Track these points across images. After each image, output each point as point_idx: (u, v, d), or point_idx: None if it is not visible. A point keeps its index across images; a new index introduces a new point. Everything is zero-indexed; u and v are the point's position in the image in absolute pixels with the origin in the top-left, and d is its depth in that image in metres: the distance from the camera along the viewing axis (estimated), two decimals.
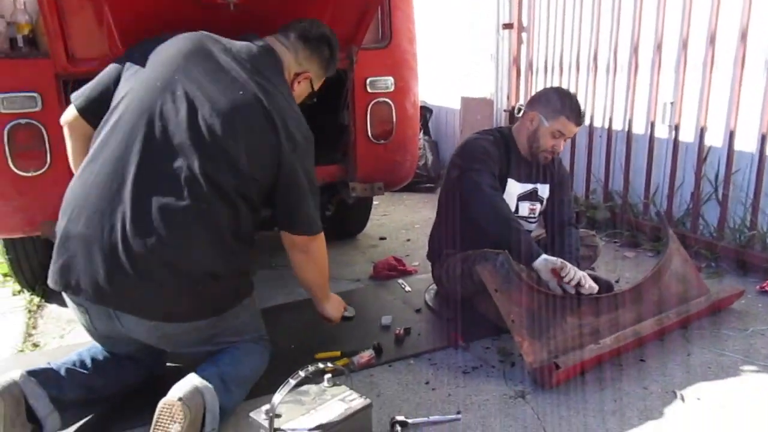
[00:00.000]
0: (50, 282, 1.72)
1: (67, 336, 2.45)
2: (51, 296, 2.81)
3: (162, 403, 1.54)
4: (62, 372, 1.70)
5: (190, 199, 1.67)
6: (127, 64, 1.83)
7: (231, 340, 1.87)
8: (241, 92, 1.76)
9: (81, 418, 1.77)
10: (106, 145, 1.71)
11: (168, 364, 2.06)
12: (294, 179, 1.83)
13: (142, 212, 1.64)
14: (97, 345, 1.86)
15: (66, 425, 1.69)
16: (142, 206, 1.65)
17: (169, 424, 1.52)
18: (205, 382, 1.63)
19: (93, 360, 1.80)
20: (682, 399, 1.89)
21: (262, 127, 1.76)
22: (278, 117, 1.78)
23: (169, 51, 1.81)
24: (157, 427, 1.53)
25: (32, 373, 1.63)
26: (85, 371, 1.75)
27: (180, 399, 1.53)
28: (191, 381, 1.62)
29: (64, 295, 1.74)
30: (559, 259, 2.14)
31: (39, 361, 2.14)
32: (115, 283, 1.63)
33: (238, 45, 1.87)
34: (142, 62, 1.80)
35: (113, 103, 1.78)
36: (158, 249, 1.64)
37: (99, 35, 2.09)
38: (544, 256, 2.15)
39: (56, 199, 2.20)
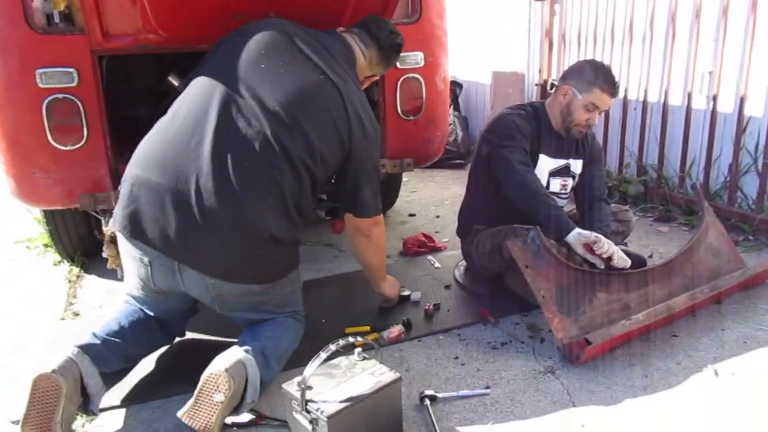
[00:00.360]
0: (118, 227, 1.77)
1: (105, 305, 2.54)
2: (90, 267, 2.92)
3: (207, 374, 1.59)
4: (107, 345, 1.77)
5: (265, 163, 1.75)
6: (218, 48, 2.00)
7: (274, 310, 1.93)
8: (321, 77, 1.89)
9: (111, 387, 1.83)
10: (187, 103, 1.83)
11: (195, 336, 2.15)
12: (361, 165, 1.96)
13: (218, 169, 1.71)
14: (130, 312, 1.90)
15: (101, 399, 1.76)
16: (218, 163, 1.71)
17: (213, 393, 1.57)
18: (248, 356, 1.69)
19: (130, 327, 1.86)
20: (716, 374, 1.87)
21: (337, 111, 1.89)
22: (352, 106, 1.91)
23: (256, 35, 1.93)
24: (200, 395, 1.58)
25: (84, 349, 1.69)
26: (121, 341, 1.81)
27: (226, 370, 1.58)
28: (236, 353, 1.67)
29: (128, 244, 1.78)
30: (593, 233, 2.12)
31: (79, 328, 2.24)
32: (184, 236, 1.70)
33: (322, 37, 2.02)
34: (230, 43, 1.96)
35: (202, 68, 1.93)
36: (230, 206, 1.71)
37: (133, 12, 2.12)
38: (577, 229, 2.13)
39: (93, 173, 2.29)
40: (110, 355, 1.76)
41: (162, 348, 2.03)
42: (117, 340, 1.81)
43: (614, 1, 3.82)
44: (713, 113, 3.26)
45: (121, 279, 2.55)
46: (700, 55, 3.32)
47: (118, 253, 2.43)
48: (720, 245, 2.44)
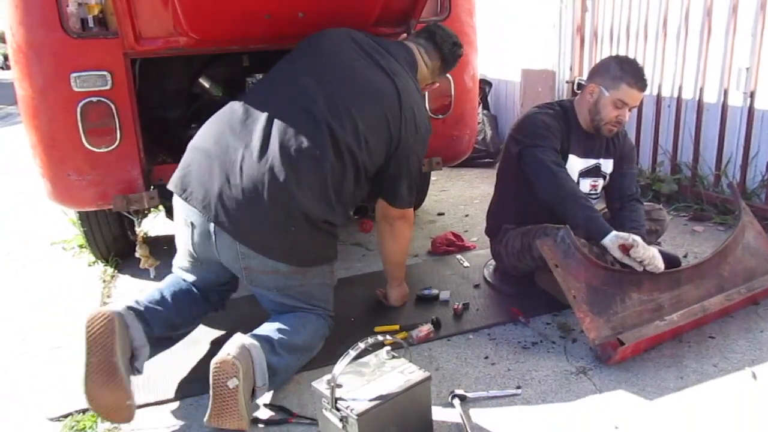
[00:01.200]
0: (171, 186, 1.91)
1: None
2: (123, 267, 2.98)
3: (214, 364, 1.63)
4: (149, 311, 1.85)
5: (309, 141, 1.84)
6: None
7: (299, 299, 1.95)
8: (380, 73, 2.00)
9: (155, 355, 1.89)
10: (251, 92, 2.04)
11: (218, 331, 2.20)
12: (406, 159, 2.04)
13: (266, 142, 1.84)
14: (173, 282, 2.02)
15: (146, 360, 1.82)
16: (266, 137, 1.85)
17: (226, 381, 1.60)
18: (252, 340, 1.73)
19: (172, 296, 1.95)
20: (754, 377, 1.82)
21: (390, 105, 1.97)
22: (408, 103, 2.00)
23: (324, 41, 2.09)
24: (215, 384, 1.61)
25: (129, 308, 1.79)
26: (163, 308, 1.90)
27: (228, 354, 1.62)
28: (237, 339, 1.72)
29: (177, 204, 1.92)
30: (631, 236, 2.06)
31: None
32: (222, 199, 1.80)
33: (387, 43, 2.15)
34: (297, 49, 2.12)
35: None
36: (268, 178, 1.80)
37: (165, 15, 2.15)
38: (614, 232, 2.08)
39: (126, 174, 2.34)
40: (152, 319, 1.84)
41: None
42: (158, 307, 1.89)
43: None
44: (750, 110, 3.18)
45: (154, 279, 2.62)
46: (737, 50, 3.24)
47: (151, 253, 2.49)
48: (758, 245, 2.38)
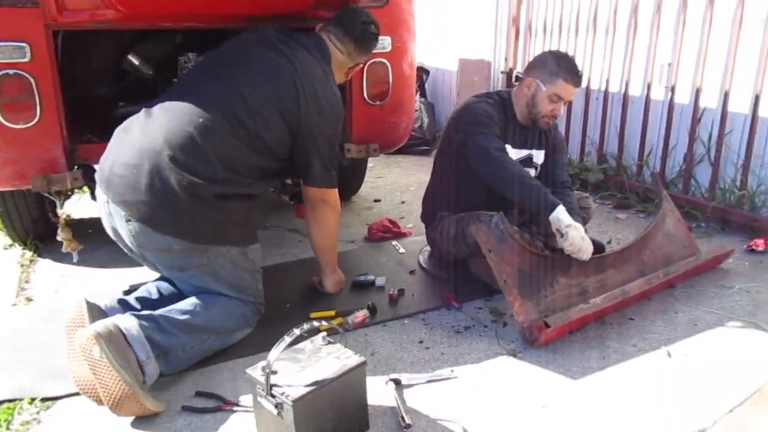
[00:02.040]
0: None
1: (60, 290, 2.48)
2: (43, 251, 2.84)
3: (75, 339, 1.66)
4: (132, 301, 1.96)
5: (192, 114, 1.90)
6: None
7: (207, 281, 1.95)
8: (279, 58, 2.05)
9: None
10: (176, 87, 2.14)
11: None
12: (312, 138, 2.06)
13: (156, 119, 1.92)
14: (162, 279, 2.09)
15: None
16: (158, 116, 1.93)
17: (89, 352, 1.61)
18: (124, 316, 1.77)
19: (158, 290, 2.04)
20: (669, 355, 1.94)
21: (285, 84, 2.01)
22: (308, 83, 2.03)
23: (237, 39, 2.18)
24: (87, 361, 1.61)
25: (118, 300, 1.93)
26: (152, 298, 2.01)
27: (88, 330, 1.65)
28: (106, 320, 1.75)
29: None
30: (570, 225, 2.10)
31: (34, 316, 2.19)
32: (113, 172, 1.87)
33: (299, 36, 2.16)
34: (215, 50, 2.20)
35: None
36: (148, 146, 1.86)
37: None
38: (560, 208, 2.12)
39: (47, 153, 2.22)
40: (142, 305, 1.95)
41: None
42: (145, 296, 2.03)
43: None
44: (671, 104, 3.35)
45: (77, 263, 2.51)
46: (660, 47, 3.40)
47: (74, 236, 2.38)
48: (676, 232, 2.52)
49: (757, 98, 2.90)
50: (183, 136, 1.87)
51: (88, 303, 1.82)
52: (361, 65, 2.39)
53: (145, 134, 1.89)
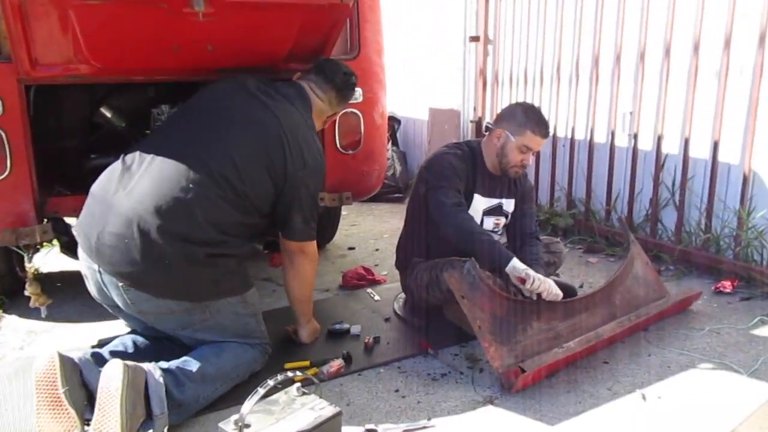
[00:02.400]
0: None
1: (26, 347, 2.40)
2: (9, 307, 2.76)
3: (105, 367, 1.65)
4: (106, 354, 1.88)
5: (179, 176, 1.87)
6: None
7: (213, 334, 1.95)
8: (262, 111, 2.05)
9: None
10: (142, 144, 2.04)
11: None
12: (296, 192, 2.06)
13: (140, 182, 1.88)
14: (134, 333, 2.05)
15: None
16: (141, 177, 1.89)
17: (109, 383, 1.60)
18: (150, 367, 1.73)
19: (134, 343, 1.99)
20: (644, 398, 1.95)
21: (272, 139, 2.01)
22: (292, 137, 2.03)
23: (218, 87, 2.16)
24: (101, 386, 1.62)
25: (91, 354, 1.83)
26: (128, 352, 1.93)
27: (123, 363, 1.64)
28: (140, 363, 1.73)
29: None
30: (526, 268, 2.17)
31: None
32: (101, 242, 1.83)
33: (279, 85, 2.18)
34: (194, 97, 2.19)
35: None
36: (138, 214, 1.81)
37: (64, 41, 2.07)
38: (513, 260, 2.18)
39: (16, 207, 2.20)
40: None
41: None
42: (118, 350, 1.95)
43: (543, 44, 4.03)
44: (634, 151, 3.47)
45: (45, 318, 2.44)
46: (622, 96, 3.54)
47: (42, 291, 2.34)
48: (645, 275, 2.57)
49: (716, 144, 3.02)
50: (173, 202, 1.84)
51: (60, 356, 1.73)
52: (337, 116, 2.43)
53: (131, 199, 1.85)
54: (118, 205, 1.85)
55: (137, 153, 1.98)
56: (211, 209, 1.89)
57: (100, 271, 1.85)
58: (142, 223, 1.81)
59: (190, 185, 1.87)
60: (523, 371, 1.94)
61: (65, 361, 1.71)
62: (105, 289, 1.88)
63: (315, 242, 2.20)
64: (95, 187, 1.96)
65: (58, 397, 1.62)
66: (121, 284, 1.83)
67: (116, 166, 1.97)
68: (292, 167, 2.02)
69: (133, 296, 1.84)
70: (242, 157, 1.95)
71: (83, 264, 1.93)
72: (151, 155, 1.94)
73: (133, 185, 1.88)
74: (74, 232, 1.95)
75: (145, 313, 1.89)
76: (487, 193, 2.50)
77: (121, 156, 2.01)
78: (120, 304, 1.90)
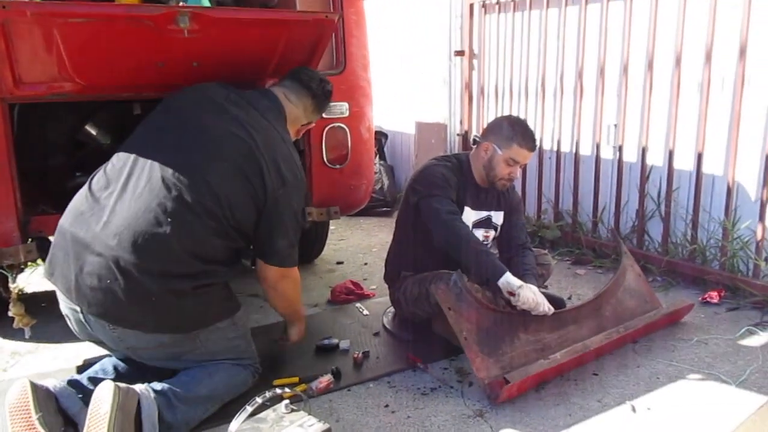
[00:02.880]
0: (44, 271, 1.89)
1: (10, 369, 2.36)
2: None
3: (97, 389, 1.62)
4: (84, 381, 1.82)
5: (156, 210, 1.79)
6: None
7: (203, 360, 1.92)
8: (238, 129, 1.95)
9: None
10: (112, 162, 1.95)
11: None
12: (277, 212, 1.96)
13: (114, 217, 1.79)
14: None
15: None
16: (114, 212, 1.80)
17: (99, 406, 1.57)
18: (144, 390, 1.71)
19: (114, 368, 1.93)
20: (634, 410, 1.95)
21: (247, 160, 1.92)
22: (269, 155, 1.94)
23: (188, 98, 2.05)
24: (92, 405, 1.60)
25: (68, 381, 1.79)
26: (109, 378, 1.84)
27: (114, 384, 1.61)
28: (134, 385, 1.70)
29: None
30: (520, 285, 2.14)
31: None
32: (80, 283, 1.76)
33: (251, 96, 2.09)
34: (159, 109, 2.08)
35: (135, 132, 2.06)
36: (116, 253, 1.74)
37: (48, 59, 2.05)
38: (507, 274, 2.17)
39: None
40: (87, 389, 1.78)
41: None
42: (98, 376, 1.88)
43: (527, 58, 4.07)
44: (620, 163, 3.50)
45: (29, 339, 2.41)
46: (606, 108, 3.58)
47: (26, 311, 2.30)
48: (637, 287, 2.58)
49: (699, 156, 3.06)
50: (152, 240, 1.77)
51: (33, 385, 1.66)
52: (312, 126, 2.33)
53: (107, 236, 1.76)
54: (93, 244, 1.77)
55: (105, 181, 1.89)
56: (190, 241, 1.82)
57: (81, 312, 1.79)
58: (122, 263, 1.74)
59: (168, 219, 1.78)
60: (508, 382, 1.93)
61: (38, 389, 1.66)
62: (89, 328, 1.83)
63: (296, 267, 2.09)
64: (65, 223, 1.86)
65: (32, 423, 1.58)
66: (107, 324, 1.78)
67: (83, 198, 1.88)
68: (271, 186, 1.93)
69: (120, 334, 1.80)
70: (219, 181, 1.86)
71: (63, 305, 1.86)
72: (121, 183, 1.85)
73: (106, 220, 1.79)
74: (46, 272, 1.86)
75: (134, 348, 1.85)
76: (477, 206, 2.51)
77: (87, 184, 1.92)
78: (107, 341, 1.86)
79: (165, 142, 1.93)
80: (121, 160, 1.91)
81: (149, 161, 1.87)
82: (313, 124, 2.34)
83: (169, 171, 1.84)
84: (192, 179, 1.84)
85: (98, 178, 1.92)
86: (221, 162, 1.89)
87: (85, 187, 1.92)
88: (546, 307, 2.17)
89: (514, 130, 2.39)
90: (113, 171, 1.91)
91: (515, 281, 2.16)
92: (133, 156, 1.90)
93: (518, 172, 2.46)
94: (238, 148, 1.93)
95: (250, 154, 1.92)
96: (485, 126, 2.63)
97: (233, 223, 1.90)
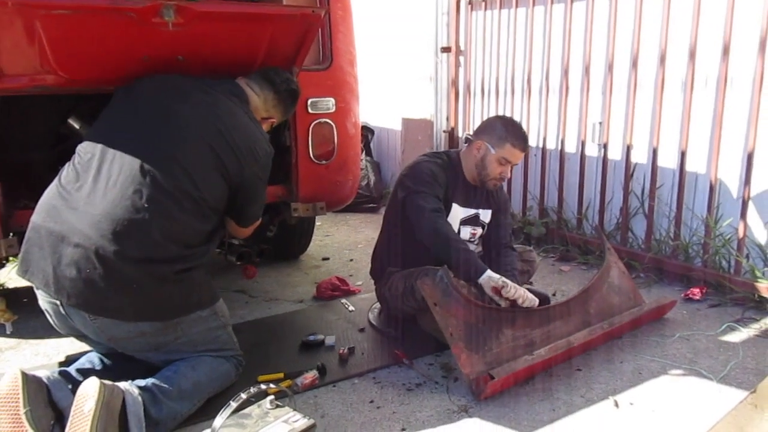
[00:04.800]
0: (17, 270, 1.87)
1: None
2: None
3: (82, 385, 1.60)
4: (73, 372, 1.82)
5: (132, 197, 1.80)
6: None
7: (184, 350, 1.91)
8: (204, 112, 1.99)
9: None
10: (79, 154, 1.94)
11: None
12: (253, 188, 2.11)
13: (90, 207, 1.79)
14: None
15: None
16: (91, 203, 1.80)
17: (83, 404, 1.56)
18: (129, 386, 1.69)
19: (100, 360, 1.94)
20: (617, 405, 1.97)
21: (217, 142, 1.96)
22: (238, 137, 2.01)
23: (149, 87, 2.06)
24: (76, 403, 1.58)
25: (60, 371, 1.79)
26: (95, 369, 1.88)
27: (100, 381, 1.59)
28: (119, 383, 1.69)
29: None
30: (501, 278, 2.19)
31: None
32: (58, 275, 1.75)
33: (210, 82, 2.12)
34: (120, 97, 2.09)
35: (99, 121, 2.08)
36: (94, 241, 1.74)
37: (30, 51, 2.02)
38: (488, 272, 2.19)
39: None
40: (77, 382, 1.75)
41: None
42: (86, 368, 1.89)
43: (513, 56, 4.09)
44: (604, 160, 3.52)
45: (10, 335, 2.38)
46: (591, 106, 3.60)
47: (7, 306, 2.27)
48: (621, 283, 2.60)
49: (683, 154, 3.09)
50: (130, 225, 1.78)
51: (24, 375, 1.64)
52: (274, 122, 2.33)
53: (85, 225, 1.77)
54: (70, 236, 1.76)
55: (74, 174, 1.89)
56: (169, 226, 1.84)
57: (61, 305, 1.79)
58: (101, 251, 1.74)
59: (145, 204, 1.80)
60: (493, 378, 1.94)
61: (30, 380, 1.65)
62: (70, 320, 1.83)
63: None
64: (37, 219, 1.85)
65: (20, 417, 1.57)
66: (87, 315, 1.77)
67: (54, 193, 1.88)
68: (245, 164, 2.02)
69: (101, 324, 1.79)
70: (193, 163, 1.91)
71: (42, 300, 1.85)
72: (93, 174, 1.85)
73: (82, 211, 1.79)
74: (20, 270, 1.83)
75: (115, 339, 1.84)
76: (465, 203, 2.51)
77: (57, 179, 1.91)
78: (88, 333, 1.85)
79: (132, 130, 1.94)
80: (88, 152, 1.91)
81: (119, 151, 1.87)
82: (275, 120, 2.32)
83: (142, 157, 1.85)
84: (165, 163, 1.86)
85: (67, 172, 1.91)
86: (192, 144, 1.93)
87: (55, 182, 1.91)
88: (532, 297, 2.19)
89: (508, 130, 2.40)
90: (82, 163, 1.90)
91: (497, 276, 2.18)
92: (100, 146, 1.90)
93: (509, 173, 2.48)
94: (208, 129, 1.97)
95: (220, 135, 1.97)
96: (477, 125, 2.64)
97: (209, 203, 1.95)
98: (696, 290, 2.91)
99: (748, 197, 2.84)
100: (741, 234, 2.88)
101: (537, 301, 2.21)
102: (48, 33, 1.95)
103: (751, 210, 2.88)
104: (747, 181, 2.83)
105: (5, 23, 1.95)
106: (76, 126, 3.04)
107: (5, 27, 1.96)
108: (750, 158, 2.81)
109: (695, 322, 2.62)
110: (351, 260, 3.68)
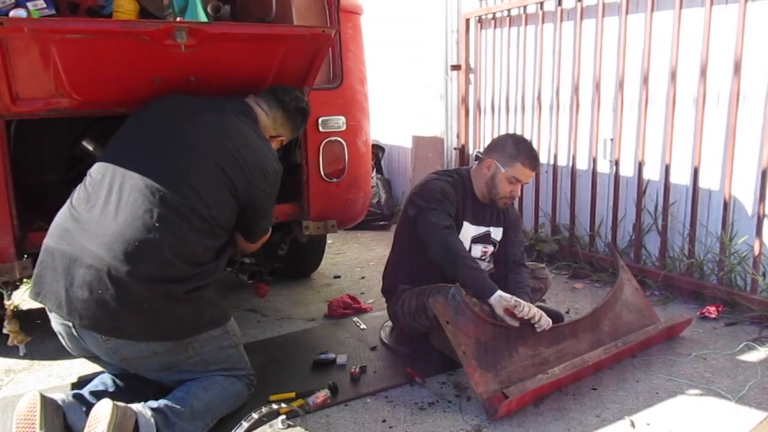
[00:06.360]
0: (30, 288, 1.87)
1: (4, 387, 2.34)
2: None
3: (95, 407, 1.62)
4: (86, 395, 1.85)
5: (144, 218, 1.81)
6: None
7: (197, 370, 1.92)
8: (212, 132, 2.01)
9: None
10: (91, 176, 1.95)
11: None
12: (261, 203, 2.11)
13: (102, 229, 1.80)
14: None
15: None
16: (103, 224, 1.81)
17: (95, 426, 1.57)
18: (142, 408, 1.71)
19: (113, 381, 1.95)
20: (633, 425, 1.94)
21: (227, 162, 1.98)
22: (248, 156, 2.03)
23: (151, 110, 2.08)
24: (89, 425, 1.60)
25: (74, 394, 1.83)
26: (108, 391, 1.90)
27: (113, 403, 1.61)
28: (132, 404, 1.71)
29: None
30: (513, 297, 2.16)
31: None
32: (71, 297, 1.75)
33: (220, 101, 2.14)
34: (132, 120, 2.10)
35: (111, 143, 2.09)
36: (107, 263, 1.75)
37: (45, 75, 2.06)
38: (498, 292, 2.17)
39: None
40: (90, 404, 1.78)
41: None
42: (99, 389, 1.92)
43: (523, 73, 4.10)
44: (616, 177, 3.50)
45: (24, 356, 2.38)
46: (602, 123, 3.59)
47: (21, 328, 2.29)
48: (635, 301, 2.57)
49: (696, 170, 3.07)
50: (141, 245, 1.78)
51: (43, 398, 1.66)
52: (284, 140, 2.35)
53: (98, 247, 1.78)
54: (83, 257, 1.77)
55: (86, 195, 1.90)
56: (179, 245, 1.84)
57: (73, 326, 1.80)
58: (113, 271, 1.75)
59: (156, 224, 1.81)
60: (507, 397, 1.92)
61: (47, 403, 1.66)
62: (82, 341, 1.83)
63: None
64: (50, 242, 1.86)
65: None
66: (99, 336, 1.78)
67: (66, 215, 1.89)
68: (254, 182, 2.03)
69: (113, 345, 1.80)
70: (202, 182, 1.92)
71: (55, 322, 1.86)
72: (104, 196, 1.87)
73: (94, 232, 1.80)
74: (33, 293, 1.84)
75: (128, 359, 1.85)
76: (476, 221, 2.51)
77: (68, 202, 1.93)
78: (100, 354, 1.86)
79: (143, 151, 1.96)
80: (99, 174, 1.93)
81: (129, 171, 1.89)
82: (284, 139, 2.34)
83: (151, 177, 1.87)
84: (175, 184, 1.88)
85: (78, 193, 1.93)
86: (201, 163, 1.95)
87: (67, 203, 1.93)
88: (545, 320, 2.17)
89: (518, 149, 2.40)
90: (93, 185, 1.92)
91: (508, 295, 2.16)
92: (111, 168, 1.92)
93: (519, 191, 2.47)
94: (217, 148, 1.98)
95: (229, 154, 1.99)
96: (487, 142, 2.64)
97: (220, 222, 1.96)
98: (712, 308, 2.86)
99: (764, 214, 2.81)
100: (756, 251, 2.84)
101: (550, 321, 2.19)
102: (63, 57, 1.98)
103: (767, 227, 2.84)
104: (762, 197, 2.80)
105: (21, 49, 1.99)
106: (90, 148, 3.08)
107: (21, 52, 2.00)
108: (764, 175, 2.77)
109: (712, 341, 2.58)
110: (362, 278, 3.68)
